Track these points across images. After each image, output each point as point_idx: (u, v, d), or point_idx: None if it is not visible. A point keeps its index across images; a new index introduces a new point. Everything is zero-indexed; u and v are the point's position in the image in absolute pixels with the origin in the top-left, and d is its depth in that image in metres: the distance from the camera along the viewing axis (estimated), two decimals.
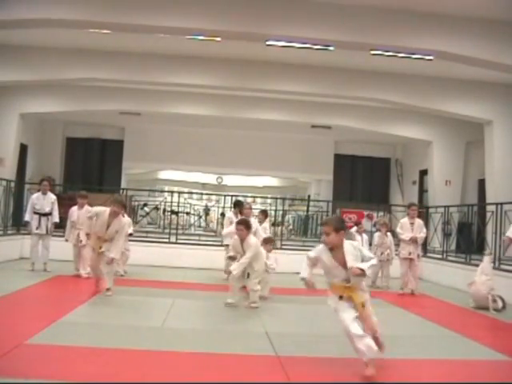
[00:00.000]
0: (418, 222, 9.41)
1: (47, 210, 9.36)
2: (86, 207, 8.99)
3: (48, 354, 4.27)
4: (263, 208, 13.32)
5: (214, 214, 20.78)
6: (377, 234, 10.01)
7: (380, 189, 19.18)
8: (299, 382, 3.98)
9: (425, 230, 9.43)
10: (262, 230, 9.95)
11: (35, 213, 9.34)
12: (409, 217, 9.39)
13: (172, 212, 16.19)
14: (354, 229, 10.58)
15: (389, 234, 9.90)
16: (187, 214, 18.74)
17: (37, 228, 9.31)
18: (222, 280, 9.14)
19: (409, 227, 9.25)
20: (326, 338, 5.51)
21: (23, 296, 6.96)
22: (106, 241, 7.18)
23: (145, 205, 19.80)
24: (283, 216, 15.75)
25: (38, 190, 9.60)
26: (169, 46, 11.18)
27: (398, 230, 9.38)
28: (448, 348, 5.39)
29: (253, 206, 10.88)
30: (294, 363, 4.41)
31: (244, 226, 7.05)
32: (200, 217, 20.17)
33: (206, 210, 21.80)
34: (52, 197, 9.53)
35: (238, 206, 9.88)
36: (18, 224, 11.97)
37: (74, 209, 9.34)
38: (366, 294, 4.36)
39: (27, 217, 9.38)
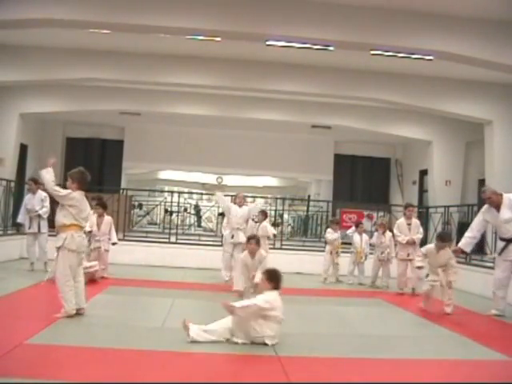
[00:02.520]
0: (415, 222, 9.34)
1: (37, 208, 9.34)
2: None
3: (48, 354, 4.27)
4: (263, 208, 13.33)
5: (214, 214, 20.79)
6: (375, 234, 10.03)
7: (380, 189, 19.18)
8: (299, 382, 3.98)
9: (421, 230, 9.38)
10: (262, 229, 9.97)
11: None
12: (405, 217, 9.32)
13: (166, 211, 16.24)
14: (352, 229, 10.56)
15: (389, 233, 9.89)
16: (185, 211, 18.73)
17: (29, 228, 9.32)
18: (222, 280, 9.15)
19: (406, 228, 9.16)
20: (326, 337, 5.52)
21: (23, 296, 6.96)
22: None
23: (140, 205, 19.76)
24: (281, 216, 15.74)
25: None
26: (169, 46, 11.18)
27: (395, 231, 9.30)
28: (448, 348, 5.39)
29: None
30: (294, 363, 4.41)
31: (255, 240, 7.47)
32: (200, 217, 20.18)
33: (197, 210, 21.71)
34: (42, 194, 9.47)
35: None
36: (18, 224, 11.96)
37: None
38: None
39: (20, 218, 9.39)
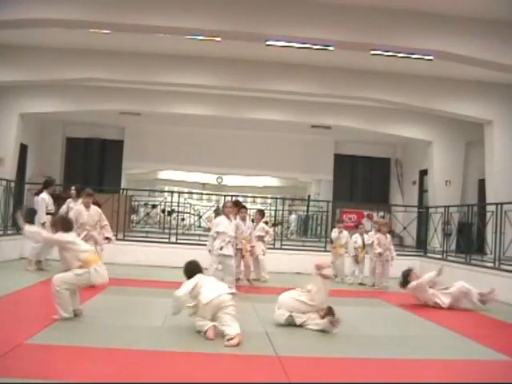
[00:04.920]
0: None
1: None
2: (93, 207, 8.42)
3: (48, 354, 4.27)
4: (261, 208, 13.38)
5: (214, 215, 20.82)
6: (378, 235, 9.85)
7: (380, 189, 19.19)
8: (299, 382, 3.98)
9: None
10: (260, 229, 9.96)
11: (47, 213, 9.35)
12: None
13: (164, 211, 16.28)
14: (355, 237, 10.45)
15: (388, 234, 9.81)
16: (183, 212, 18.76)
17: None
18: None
19: None
20: (326, 337, 5.51)
21: (23, 296, 6.96)
22: None
23: (145, 205, 19.86)
24: (280, 222, 15.72)
25: (40, 191, 9.57)
26: (169, 46, 11.19)
27: None
28: (448, 348, 5.39)
29: (252, 206, 10.86)
30: (294, 363, 4.41)
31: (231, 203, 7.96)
32: (200, 217, 20.21)
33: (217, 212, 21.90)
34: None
35: (236, 205, 9.79)
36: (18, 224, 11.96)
37: (81, 209, 8.40)
38: None
39: (43, 218, 9.26)
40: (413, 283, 7.73)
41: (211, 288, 5.20)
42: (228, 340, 4.82)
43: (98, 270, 5.47)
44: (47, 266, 9.35)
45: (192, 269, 5.46)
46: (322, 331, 5.56)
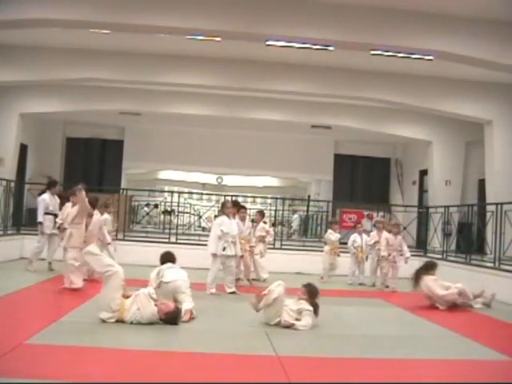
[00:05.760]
0: None
1: (58, 212, 9.39)
2: (77, 206, 7.94)
3: (48, 354, 4.27)
4: (261, 208, 13.38)
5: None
6: (387, 236, 9.59)
7: (380, 189, 19.17)
8: (299, 382, 3.98)
9: None
10: (260, 229, 9.96)
11: (47, 213, 9.33)
12: None
13: (165, 212, 16.27)
14: (354, 236, 10.43)
15: (398, 236, 9.67)
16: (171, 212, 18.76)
17: (52, 228, 9.35)
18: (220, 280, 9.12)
19: None
20: (326, 337, 5.52)
21: (23, 296, 6.96)
22: None
23: (147, 205, 19.90)
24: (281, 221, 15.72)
25: (43, 191, 9.57)
26: (169, 46, 11.19)
27: None
28: (448, 348, 5.39)
29: (252, 206, 10.86)
30: (294, 363, 4.41)
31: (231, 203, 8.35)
32: (200, 217, 20.25)
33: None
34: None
35: (235, 206, 9.77)
36: (18, 224, 11.97)
37: (67, 207, 8.37)
38: None
39: (41, 218, 9.25)
40: (429, 284, 7.64)
41: (173, 273, 6.34)
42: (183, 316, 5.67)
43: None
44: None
45: (164, 257, 6.73)
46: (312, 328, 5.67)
